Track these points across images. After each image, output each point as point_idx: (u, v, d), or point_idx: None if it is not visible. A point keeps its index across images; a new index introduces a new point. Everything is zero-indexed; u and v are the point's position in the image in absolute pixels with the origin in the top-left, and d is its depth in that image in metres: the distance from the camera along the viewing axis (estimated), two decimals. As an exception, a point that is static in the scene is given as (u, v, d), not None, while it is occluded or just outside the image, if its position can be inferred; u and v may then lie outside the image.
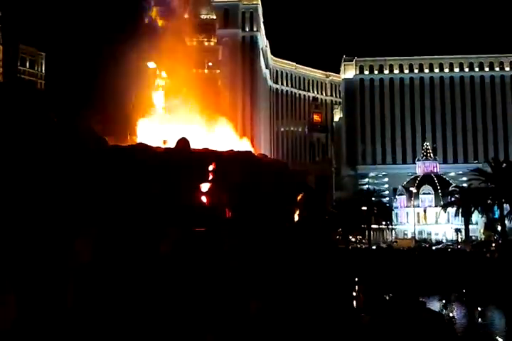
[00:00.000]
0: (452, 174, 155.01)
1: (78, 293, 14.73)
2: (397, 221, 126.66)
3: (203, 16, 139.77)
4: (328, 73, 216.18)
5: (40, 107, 19.85)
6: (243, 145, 29.01)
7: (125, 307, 15.26)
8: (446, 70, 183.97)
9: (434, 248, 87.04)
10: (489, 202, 76.68)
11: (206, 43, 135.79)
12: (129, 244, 17.33)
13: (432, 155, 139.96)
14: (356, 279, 28.90)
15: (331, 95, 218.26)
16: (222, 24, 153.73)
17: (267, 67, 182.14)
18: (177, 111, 29.40)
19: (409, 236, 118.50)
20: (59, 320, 14.10)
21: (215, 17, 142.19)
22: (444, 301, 41.34)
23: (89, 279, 15.06)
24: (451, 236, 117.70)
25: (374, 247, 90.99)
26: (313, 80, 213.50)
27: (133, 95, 26.38)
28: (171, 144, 24.10)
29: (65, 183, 16.92)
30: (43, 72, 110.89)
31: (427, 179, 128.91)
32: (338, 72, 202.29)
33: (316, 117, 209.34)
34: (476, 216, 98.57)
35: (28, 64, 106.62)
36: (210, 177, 23.01)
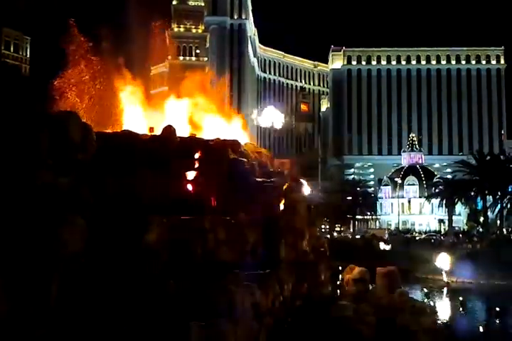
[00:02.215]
0: (437, 165, 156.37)
1: (63, 286, 14.57)
2: (381, 211, 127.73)
3: (191, 3, 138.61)
4: (316, 63, 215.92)
5: (24, 93, 19.57)
6: (235, 132, 28.85)
7: (111, 302, 15.17)
8: (434, 62, 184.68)
9: (417, 238, 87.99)
10: (473, 193, 77.54)
11: (194, 30, 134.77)
12: (115, 233, 17.20)
13: (417, 146, 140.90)
14: (340, 268, 29.21)
15: (319, 85, 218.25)
16: (210, 11, 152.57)
17: (254, 56, 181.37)
18: (164, 98, 29.17)
19: (393, 226, 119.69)
20: (41, 316, 13.94)
21: (203, 4, 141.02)
22: (426, 290, 41.88)
23: (76, 271, 14.90)
24: (435, 226, 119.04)
25: (358, 237, 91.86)
26: (301, 70, 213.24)
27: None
28: (157, 132, 23.91)
29: (48, 171, 16.73)
30: (28, 56, 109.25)
31: (411, 170, 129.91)
32: (326, 61, 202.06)
33: (304, 107, 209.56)
34: (459, 207, 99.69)
35: (12, 48, 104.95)
36: (196, 165, 22.86)
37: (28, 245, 14.31)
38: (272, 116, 43.17)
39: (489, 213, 76.71)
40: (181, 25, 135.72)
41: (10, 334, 13.21)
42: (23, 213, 14.90)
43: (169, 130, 22.67)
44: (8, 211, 14.75)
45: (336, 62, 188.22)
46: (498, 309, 28.47)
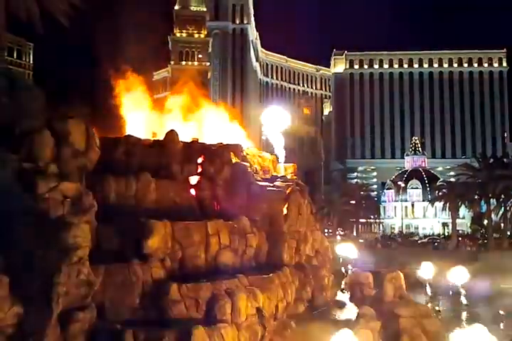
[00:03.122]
0: (440, 169, 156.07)
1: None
2: (384, 215, 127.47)
3: (193, 8, 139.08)
4: (318, 67, 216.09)
5: (29, 99, 19.68)
6: (237, 136, 28.91)
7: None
8: (436, 65, 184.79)
9: (419, 242, 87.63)
10: (476, 196, 77.22)
11: (196, 35, 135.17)
12: (118, 237, 17.28)
13: (420, 149, 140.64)
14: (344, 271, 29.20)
15: (321, 89, 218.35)
16: (212, 16, 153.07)
17: (257, 60, 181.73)
18: (167, 103, 29.30)
19: (397, 230, 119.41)
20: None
21: (205, 9, 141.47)
22: (430, 294, 41.68)
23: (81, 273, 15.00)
24: (439, 230, 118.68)
25: (361, 241, 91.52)
26: (303, 74, 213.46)
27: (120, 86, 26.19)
28: (160, 136, 23.99)
29: (52, 176, 16.81)
30: (31, 62, 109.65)
31: (415, 173, 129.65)
32: (328, 66, 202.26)
33: (306, 111, 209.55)
34: (463, 210, 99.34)
35: (15, 54, 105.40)
36: (199, 170, 22.92)
37: (35, 248, 14.37)
38: (277, 116, 41.28)
39: (493, 216, 76.35)
40: (183, 31, 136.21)
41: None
42: (30, 218, 14.98)
43: (172, 135, 22.73)
44: (15, 217, 14.85)
45: (338, 66, 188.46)
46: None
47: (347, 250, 39.29)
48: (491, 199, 73.73)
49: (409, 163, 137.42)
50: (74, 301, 14.76)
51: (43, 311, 14.10)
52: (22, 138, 16.96)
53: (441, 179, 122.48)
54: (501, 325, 24.94)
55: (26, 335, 13.82)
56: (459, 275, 28.42)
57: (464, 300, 28.95)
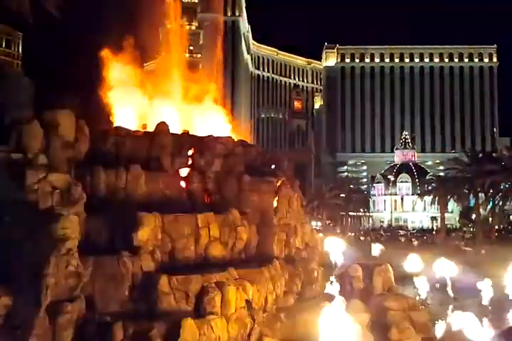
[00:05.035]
0: (430, 163, 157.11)
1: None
2: (374, 208, 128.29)
3: (185, 0, 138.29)
4: (309, 60, 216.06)
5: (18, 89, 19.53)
6: (224, 129, 28.80)
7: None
8: (426, 60, 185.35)
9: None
10: (465, 191, 77.88)
11: (187, 27, 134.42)
12: (107, 229, 17.25)
13: (410, 144, 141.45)
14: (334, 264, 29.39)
15: (312, 82, 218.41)
16: (203, 8, 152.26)
17: (248, 53, 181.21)
18: (158, 94, 29.10)
19: (386, 223, 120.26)
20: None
21: (196, 1, 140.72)
22: (417, 287, 42.01)
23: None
24: (427, 223, 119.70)
25: (350, 234, 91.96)
26: (294, 67, 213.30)
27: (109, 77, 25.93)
28: (150, 128, 23.87)
29: (41, 168, 16.71)
30: (20, 52, 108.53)
31: (404, 167, 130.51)
32: (319, 59, 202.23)
33: (297, 104, 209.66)
34: (452, 204, 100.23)
35: (4, 43, 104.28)
36: (189, 162, 22.87)
37: (23, 239, 14.30)
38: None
39: (481, 210, 77.06)
40: (174, 22, 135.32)
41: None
42: (18, 209, 14.89)
43: (162, 127, 22.64)
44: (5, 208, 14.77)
45: (330, 59, 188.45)
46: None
47: (334, 243, 39.48)
48: (480, 194, 74.34)
49: (399, 157, 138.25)
50: (63, 293, 14.70)
51: (31, 303, 14.04)
52: (11, 129, 16.82)
53: (430, 173, 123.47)
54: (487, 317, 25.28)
55: (14, 327, 13.77)
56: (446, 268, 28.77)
57: (451, 293, 29.22)
